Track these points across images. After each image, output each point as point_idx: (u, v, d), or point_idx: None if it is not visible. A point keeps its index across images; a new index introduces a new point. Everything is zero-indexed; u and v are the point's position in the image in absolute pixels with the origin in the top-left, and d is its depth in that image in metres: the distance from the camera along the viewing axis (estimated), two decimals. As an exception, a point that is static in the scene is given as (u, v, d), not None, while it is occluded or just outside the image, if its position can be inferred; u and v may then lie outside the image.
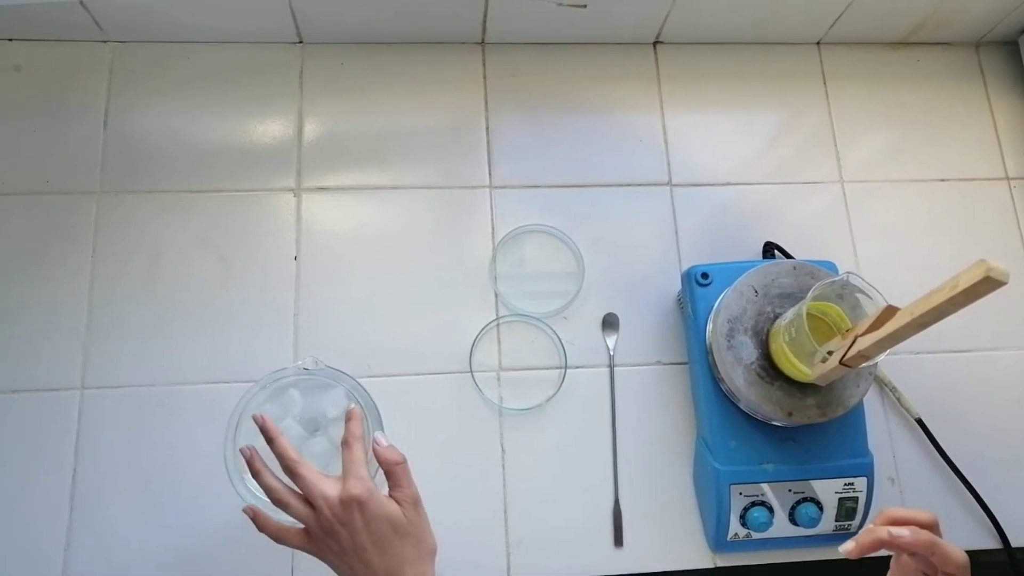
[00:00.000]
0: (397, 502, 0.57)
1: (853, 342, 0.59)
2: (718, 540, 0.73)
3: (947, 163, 0.91)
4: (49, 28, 0.84)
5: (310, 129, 0.86)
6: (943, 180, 0.90)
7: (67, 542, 0.72)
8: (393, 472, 0.58)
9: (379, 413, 0.59)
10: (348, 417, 0.58)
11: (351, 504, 0.54)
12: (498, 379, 0.79)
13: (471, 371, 0.79)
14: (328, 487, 0.55)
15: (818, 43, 0.95)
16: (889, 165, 0.90)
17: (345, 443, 0.57)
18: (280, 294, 0.80)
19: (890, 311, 0.57)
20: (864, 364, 0.60)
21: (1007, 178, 0.91)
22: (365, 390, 0.60)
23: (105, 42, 0.86)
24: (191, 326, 0.78)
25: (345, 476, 0.56)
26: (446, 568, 0.73)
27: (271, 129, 0.85)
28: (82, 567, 0.71)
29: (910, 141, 0.92)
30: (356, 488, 0.55)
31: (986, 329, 0.84)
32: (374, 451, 0.58)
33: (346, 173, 0.84)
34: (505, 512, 0.75)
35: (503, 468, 0.77)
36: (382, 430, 0.60)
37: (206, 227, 0.81)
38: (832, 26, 0.91)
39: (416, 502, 0.58)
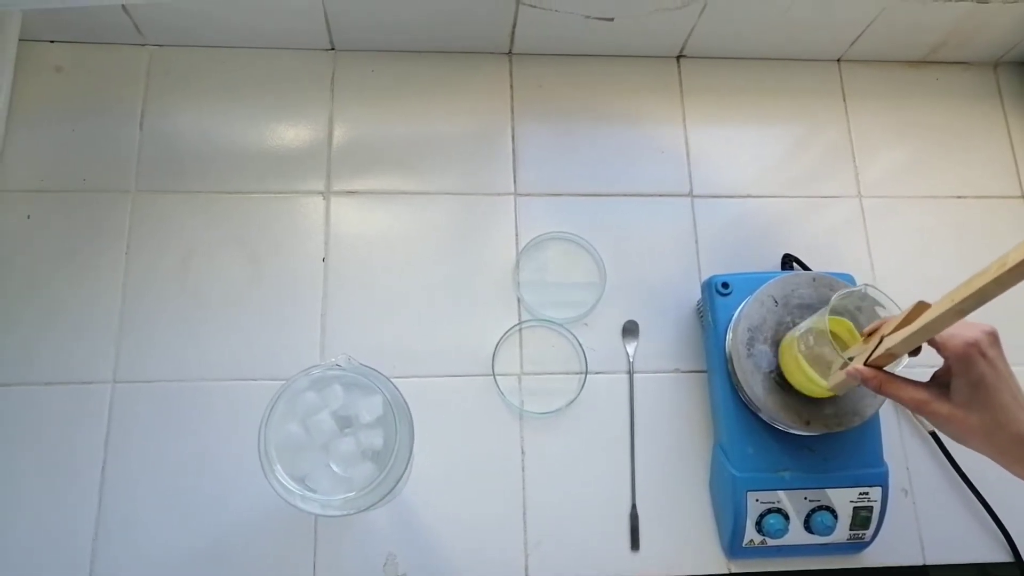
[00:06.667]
0: None
1: (879, 342, 0.58)
2: (733, 546, 0.74)
3: (964, 181, 0.92)
4: (90, 31, 0.86)
5: (340, 134, 0.88)
6: (960, 197, 0.92)
7: (95, 532, 0.73)
8: None
9: (411, 417, 0.61)
10: None
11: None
12: (519, 383, 0.81)
13: (493, 374, 0.80)
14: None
15: (838, 60, 0.97)
16: (907, 181, 0.92)
17: None
18: (308, 295, 0.82)
19: (921, 307, 0.55)
20: (892, 363, 0.59)
21: (1023, 196, 0.92)
22: (399, 391, 0.61)
23: (144, 46, 0.88)
24: (221, 324, 0.80)
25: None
26: (466, 566, 0.75)
27: (302, 133, 0.87)
28: (110, 557, 0.73)
29: (928, 158, 0.93)
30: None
31: (1000, 345, 0.85)
32: None
33: (374, 178, 0.86)
34: (524, 513, 0.77)
35: (523, 470, 0.78)
36: (413, 434, 0.61)
37: (237, 228, 0.83)
38: (853, 44, 0.93)
39: None
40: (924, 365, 0.60)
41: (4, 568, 0.72)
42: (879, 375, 0.58)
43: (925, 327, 0.53)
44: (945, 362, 0.57)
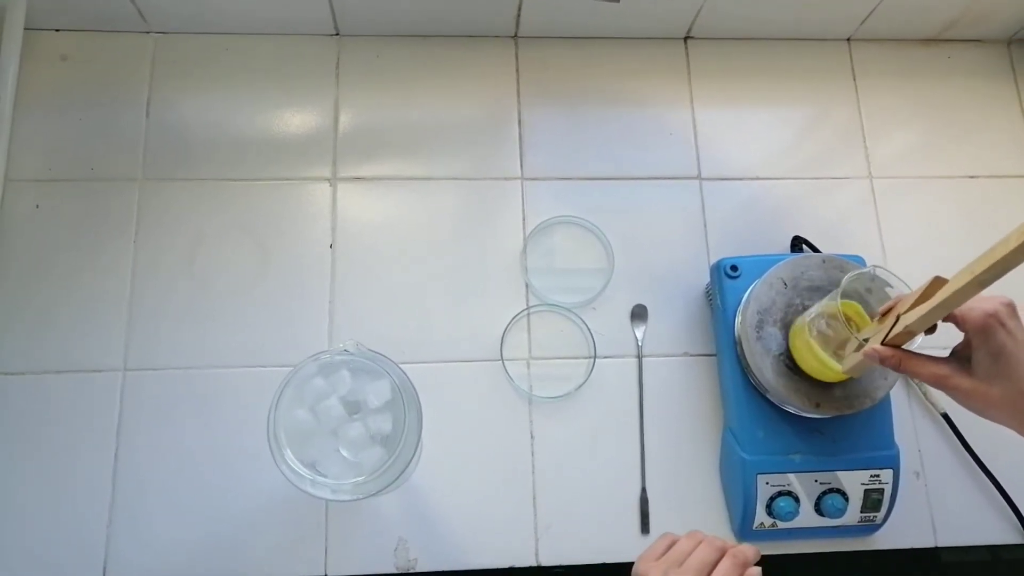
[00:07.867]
0: None
1: (896, 321, 0.57)
2: (744, 529, 0.74)
3: (976, 160, 0.91)
4: (95, 19, 0.86)
5: (346, 120, 0.87)
6: (972, 177, 0.91)
7: (110, 518, 0.74)
8: None
9: (419, 402, 0.61)
10: None
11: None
12: (528, 367, 0.81)
13: (502, 359, 0.80)
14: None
15: (848, 39, 0.95)
16: (918, 161, 0.91)
17: None
18: (316, 281, 0.82)
19: (939, 282, 0.54)
20: (907, 342, 0.58)
21: (1037, 176, 0.91)
22: (407, 376, 0.61)
23: (148, 33, 0.88)
24: (229, 311, 0.80)
25: None
26: (476, 550, 0.75)
27: (308, 119, 0.87)
28: (124, 543, 0.73)
29: (939, 138, 0.92)
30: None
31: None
32: None
33: (381, 163, 0.86)
34: (534, 497, 0.77)
35: (532, 455, 0.78)
36: (421, 419, 0.61)
37: (244, 214, 0.83)
38: (863, 22, 0.92)
39: None
40: (935, 347, 0.59)
41: (20, 556, 0.72)
42: (898, 353, 0.58)
43: (945, 301, 0.53)
44: (964, 336, 0.57)
